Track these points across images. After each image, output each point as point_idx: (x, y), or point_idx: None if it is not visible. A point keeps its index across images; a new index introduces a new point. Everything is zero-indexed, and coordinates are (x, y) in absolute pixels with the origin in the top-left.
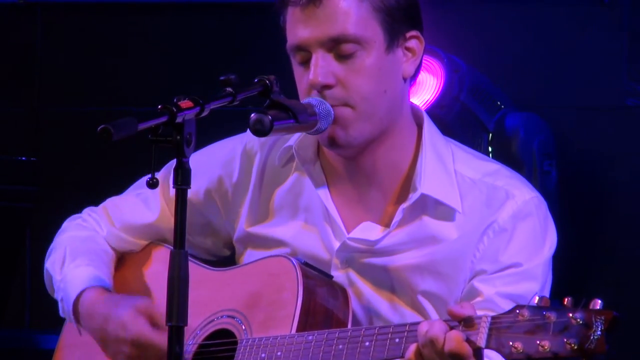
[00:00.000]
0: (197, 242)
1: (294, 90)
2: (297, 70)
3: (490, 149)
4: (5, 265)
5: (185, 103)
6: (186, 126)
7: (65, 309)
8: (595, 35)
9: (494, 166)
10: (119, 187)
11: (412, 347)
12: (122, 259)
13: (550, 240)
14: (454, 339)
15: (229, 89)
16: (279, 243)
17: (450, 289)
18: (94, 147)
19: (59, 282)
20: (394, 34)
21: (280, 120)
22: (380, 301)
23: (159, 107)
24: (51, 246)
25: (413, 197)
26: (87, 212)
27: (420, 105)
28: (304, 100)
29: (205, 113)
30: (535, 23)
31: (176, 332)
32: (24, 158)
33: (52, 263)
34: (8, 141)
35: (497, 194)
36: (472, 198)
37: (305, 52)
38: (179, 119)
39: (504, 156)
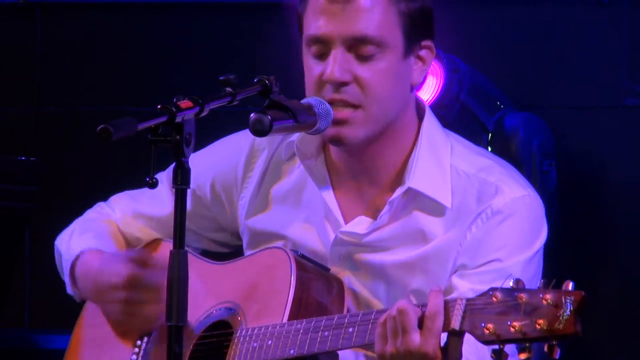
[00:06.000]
0: (209, 237)
1: (294, 90)
2: (310, 61)
3: (489, 148)
4: (5, 265)
5: (184, 103)
6: (186, 126)
7: (64, 274)
8: (595, 35)
9: (489, 161)
10: (118, 187)
11: (378, 330)
12: None
13: (539, 241)
14: (399, 309)
15: (228, 89)
16: (279, 237)
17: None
18: (93, 147)
19: (65, 255)
20: (412, 41)
21: (280, 120)
22: (375, 298)
23: (159, 107)
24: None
25: (400, 190)
26: (104, 202)
27: None
28: (304, 100)
29: (204, 113)
30: (535, 23)
31: (176, 331)
32: (23, 158)
33: (61, 239)
34: (8, 141)
35: (487, 189)
36: (464, 193)
37: (323, 45)
38: (178, 119)
39: (503, 156)
